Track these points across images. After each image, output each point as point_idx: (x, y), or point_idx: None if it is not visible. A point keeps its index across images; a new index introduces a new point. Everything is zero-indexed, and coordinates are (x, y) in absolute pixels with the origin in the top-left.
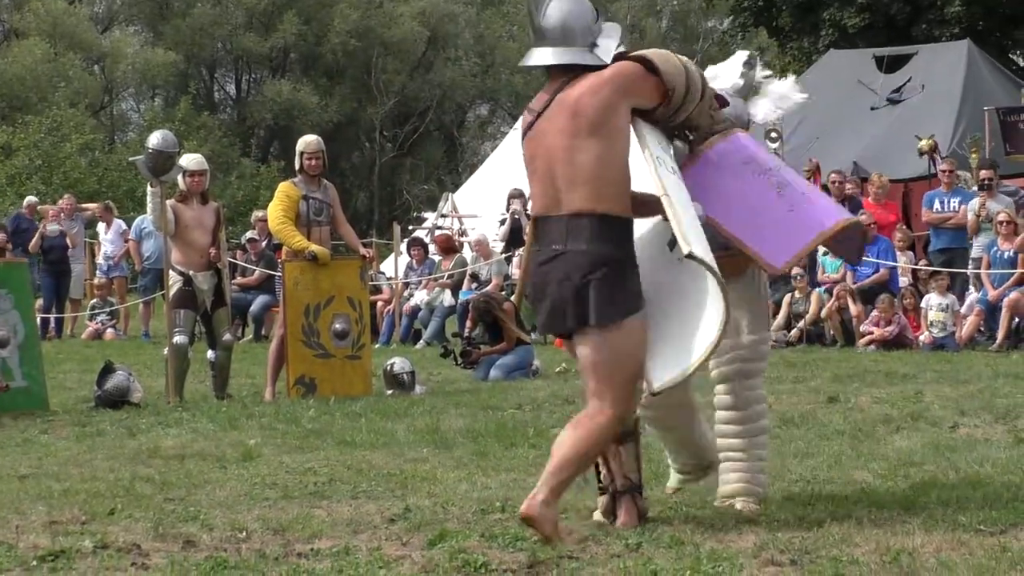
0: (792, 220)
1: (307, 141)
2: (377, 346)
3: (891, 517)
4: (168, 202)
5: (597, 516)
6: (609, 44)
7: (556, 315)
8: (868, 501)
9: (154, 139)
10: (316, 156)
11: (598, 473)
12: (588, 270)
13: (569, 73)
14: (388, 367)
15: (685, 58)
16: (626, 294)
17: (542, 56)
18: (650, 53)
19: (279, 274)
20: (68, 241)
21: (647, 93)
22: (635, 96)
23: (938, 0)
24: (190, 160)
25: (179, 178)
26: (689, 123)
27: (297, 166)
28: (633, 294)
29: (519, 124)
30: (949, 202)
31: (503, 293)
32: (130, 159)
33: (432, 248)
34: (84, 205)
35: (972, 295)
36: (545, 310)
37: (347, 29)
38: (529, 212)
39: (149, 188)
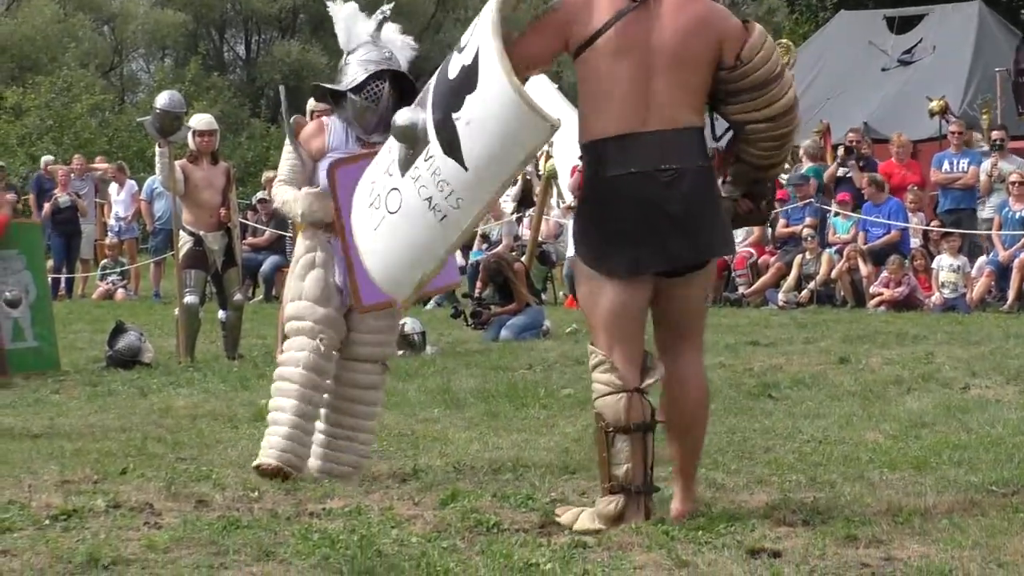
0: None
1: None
2: None
3: (903, 478)
4: (177, 162)
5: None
6: None
7: (685, 247)
8: (880, 462)
9: (161, 99)
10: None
11: (609, 468)
12: (716, 189)
13: None
14: (399, 327)
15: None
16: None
17: None
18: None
19: (290, 234)
20: (77, 205)
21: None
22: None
23: None
24: (199, 120)
25: (188, 138)
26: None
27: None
28: None
29: None
30: (958, 163)
31: (513, 254)
32: (138, 119)
33: None
34: (95, 165)
35: (982, 256)
36: (663, 242)
37: None
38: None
39: (157, 148)
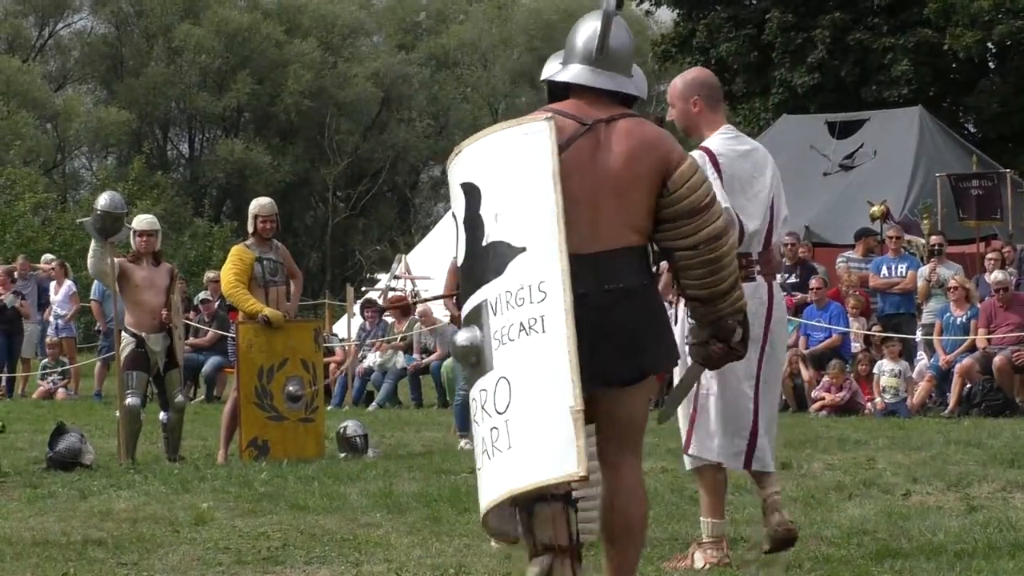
0: None
1: (261, 204)
2: (330, 408)
3: None
4: (118, 260)
5: None
6: (640, 79)
7: (618, 368)
8: (821, 571)
9: (102, 201)
10: (271, 219)
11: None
12: (658, 308)
13: (614, 101)
14: (341, 430)
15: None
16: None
17: (596, 79)
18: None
19: (232, 335)
20: (20, 307)
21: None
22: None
23: (886, 60)
24: (141, 220)
25: (130, 238)
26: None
27: (251, 228)
28: None
29: None
30: (896, 267)
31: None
32: (79, 220)
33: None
34: (39, 266)
35: (923, 361)
36: (600, 361)
37: (300, 89)
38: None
39: (92, 247)
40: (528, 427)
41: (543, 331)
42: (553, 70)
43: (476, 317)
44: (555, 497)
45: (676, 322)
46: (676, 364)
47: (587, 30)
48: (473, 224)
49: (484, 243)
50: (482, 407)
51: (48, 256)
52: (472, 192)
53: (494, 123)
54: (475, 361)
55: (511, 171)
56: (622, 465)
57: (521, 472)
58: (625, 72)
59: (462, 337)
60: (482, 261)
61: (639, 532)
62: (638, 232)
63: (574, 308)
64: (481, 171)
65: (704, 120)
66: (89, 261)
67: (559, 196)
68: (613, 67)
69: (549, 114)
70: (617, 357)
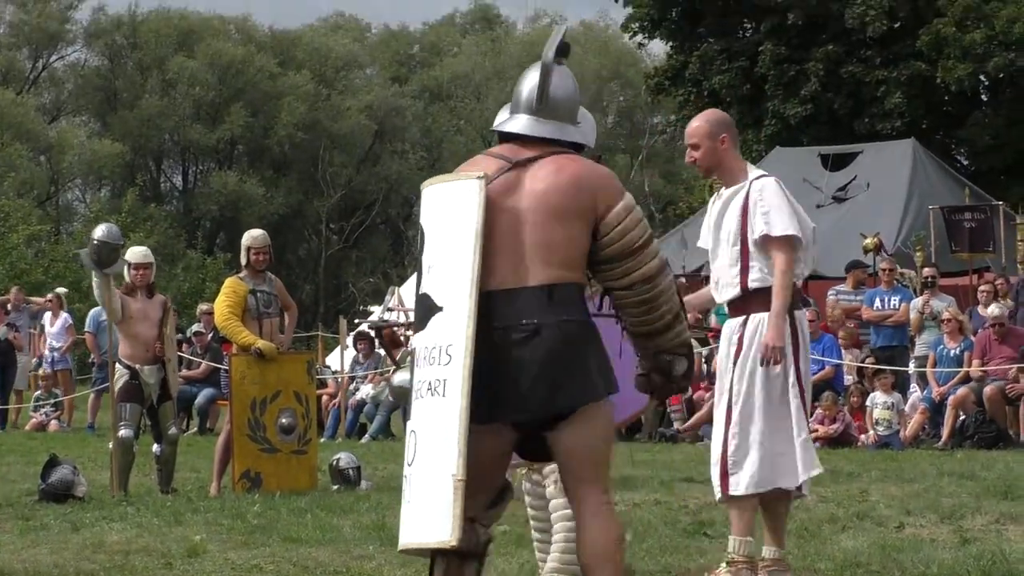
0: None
1: (254, 236)
2: (322, 440)
3: None
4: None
5: None
6: (588, 126)
7: (538, 399)
8: None
9: (99, 231)
10: (264, 251)
11: None
12: (582, 341)
13: (562, 147)
14: (334, 462)
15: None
16: (609, 365)
17: (540, 128)
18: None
19: (225, 367)
20: (13, 338)
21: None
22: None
23: (879, 93)
24: (135, 253)
25: (124, 271)
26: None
27: (244, 261)
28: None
29: None
30: (889, 300)
31: None
32: (75, 252)
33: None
34: (32, 299)
35: (915, 393)
36: (517, 393)
37: (294, 122)
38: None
39: (94, 278)
40: (421, 487)
41: (444, 395)
42: (502, 119)
43: (411, 361)
44: (453, 552)
45: None
46: (602, 396)
47: (530, 81)
48: (419, 267)
49: (420, 290)
50: (408, 448)
51: (60, 290)
52: (422, 235)
53: None
54: (406, 403)
55: (443, 225)
56: (585, 497)
57: (407, 530)
58: (570, 120)
59: (398, 378)
60: (418, 307)
61: (611, 562)
62: (566, 267)
63: (492, 343)
64: (426, 218)
65: (729, 157)
66: (95, 293)
67: (478, 259)
68: (555, 115)
69: (480, 172)
70: (533, 390)
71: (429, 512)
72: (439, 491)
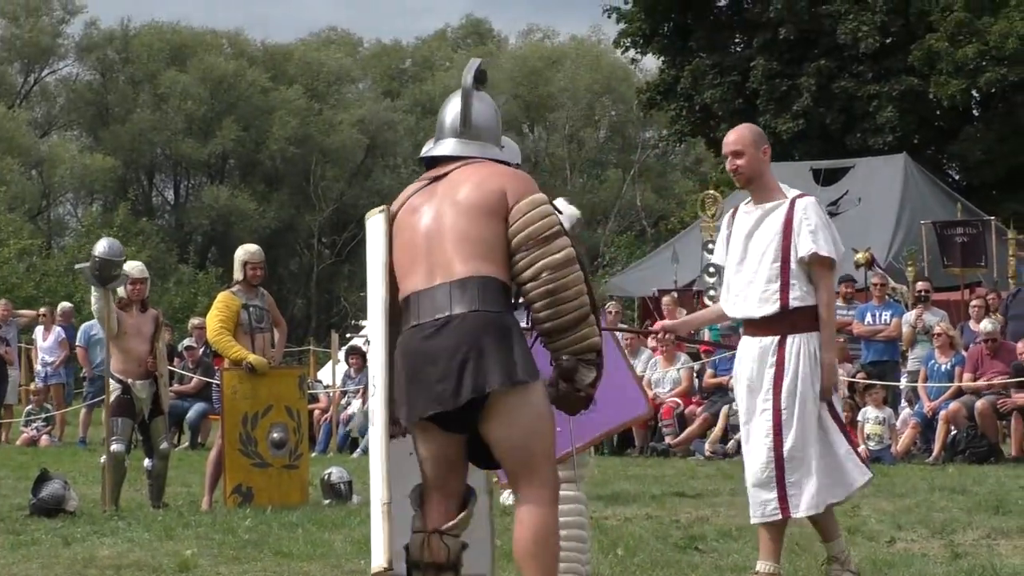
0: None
1: (250, 251)
2: (314, 455)
3: None
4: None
5: None
6: (512, 151)
7: (447, 389)
8: None
9: (100, 247)
10: (260, 266)
11: None
12: (493, 329)
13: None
14: (325, 476)
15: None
16: (530, 355)
17: (465, 148)
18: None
19: (216, 382)
20: (4, 352)
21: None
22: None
23: (871, 108)
24: (131, 267)
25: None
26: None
27: (239, 275)
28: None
29: None
30: (880, 315)
31: None
32: (76, 267)
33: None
34: (20, 312)
35: (907, 408)
36: (430, 387)
37: (286, 136)
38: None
39: (93, 293)
40: (372, 514)
41: (375, 424)
42: (428, 148)
43: None
44: (428, 567)
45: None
46: (518, 381)
47: (453, 107)
48: None
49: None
50: None
51: (65, 304)
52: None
53: None
54: None
55: (368, 261)
56: (516, 490)
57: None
58: (494, 142)
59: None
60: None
61: (535, 559)
62: (483, 262)
63: (412, 345)
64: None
65: (768, 170)
66: (93, 308)
67: (387, 294)
68: (479, 137)
69: (383, 207)
70: (443, 380)
71: (373, 539)
72: (375, 518)
